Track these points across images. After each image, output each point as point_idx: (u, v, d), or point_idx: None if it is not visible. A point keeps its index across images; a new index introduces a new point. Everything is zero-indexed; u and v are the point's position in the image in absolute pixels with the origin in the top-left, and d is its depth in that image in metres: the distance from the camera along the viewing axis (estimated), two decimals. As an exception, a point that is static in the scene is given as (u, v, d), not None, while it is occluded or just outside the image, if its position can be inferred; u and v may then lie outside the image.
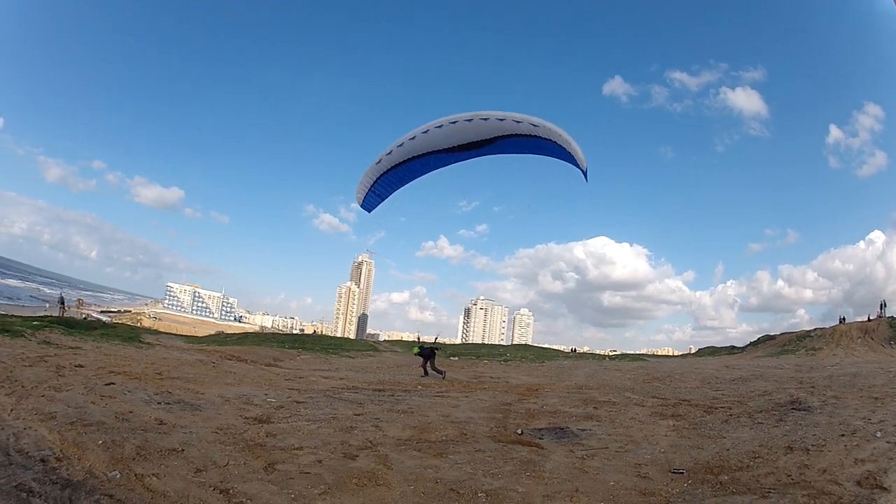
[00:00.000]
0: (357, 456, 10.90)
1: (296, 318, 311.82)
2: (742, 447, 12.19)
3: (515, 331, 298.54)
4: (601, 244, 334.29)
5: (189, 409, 14.11)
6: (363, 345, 57.78)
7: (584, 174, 20.09)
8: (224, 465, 9.82)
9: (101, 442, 10.13)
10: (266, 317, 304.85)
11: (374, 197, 24.22)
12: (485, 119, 20.58)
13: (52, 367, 17.20)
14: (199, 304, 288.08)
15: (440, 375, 28.07)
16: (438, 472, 10.03)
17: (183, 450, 10.39)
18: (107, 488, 8.08)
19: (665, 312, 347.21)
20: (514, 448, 12.10)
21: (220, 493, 8.54)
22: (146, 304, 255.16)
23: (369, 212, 24.92)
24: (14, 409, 11.64)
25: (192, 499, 8.23)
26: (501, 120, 20.48)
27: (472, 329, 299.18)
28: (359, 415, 15.33)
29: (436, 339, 33.71)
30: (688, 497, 9.02)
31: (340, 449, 11.41)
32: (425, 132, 21.52)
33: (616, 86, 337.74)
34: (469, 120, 20.75)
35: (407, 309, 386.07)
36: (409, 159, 22.69)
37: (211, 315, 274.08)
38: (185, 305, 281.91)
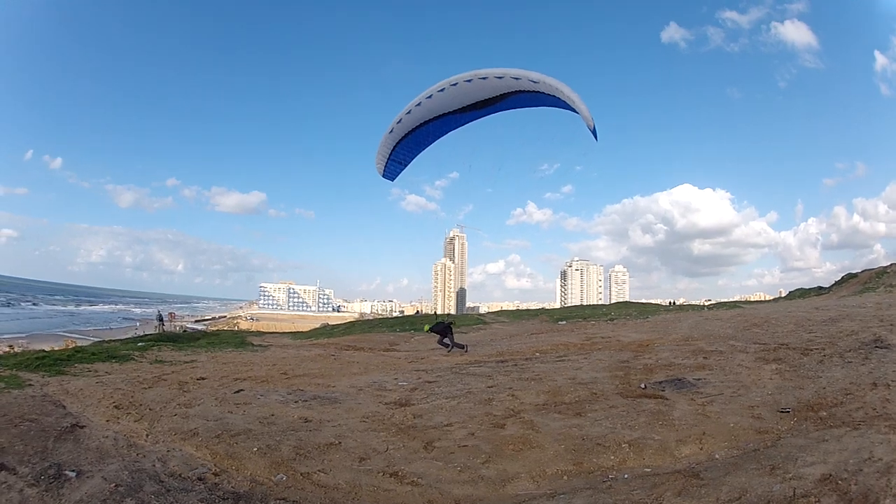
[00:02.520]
0: (504, 424, 11.41)
1: (394, 300, 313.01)
2: (836, 385, 12.97)
3: (612, 289, 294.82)
4: (685, 192, 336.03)
5: (328, 403, 14.35)
6: (470, 319, 56.07)
7: (594, 133, 19.45)
8: (384, 450, 10.24)
9: (255, 449, 10.37)
10: (364, 303, 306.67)
11: (394, 165, 24.43)
12: (483, 78, 20.61)
13: (173, 385, 17.07)
14: (296, 300, 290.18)
15: (462, 349, 27.40)
16: (582, 430, 10.58)
17: (339, 442, 10.74)
18: (277, 492, 8.38)
19: (753, 256, 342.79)
20: (642, 401, 12.59)
21: (390, 476, 9.02)
22: (240, 307, 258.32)
23: (392, 180, 25.15)
24: (150, 433, 11.49)
25: (364, 486, 8.70)
26: (500, 77, 20.44)
27: (569, 291, 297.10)
28: (491, 387, 15.59)
29: (447, 315, 31.60)
30: (795, 433, 9.68)
31: (487, 420, 11.87)
32: (429, 97, 21.68)
33: (673, 32, 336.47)
34: (469, 80, 20.78)
35: (504, 278, 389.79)
36: (420, 125, 22.88)
37: (308, 308, 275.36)
38: (280, 303, 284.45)
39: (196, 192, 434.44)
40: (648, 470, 8.58)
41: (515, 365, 19.60)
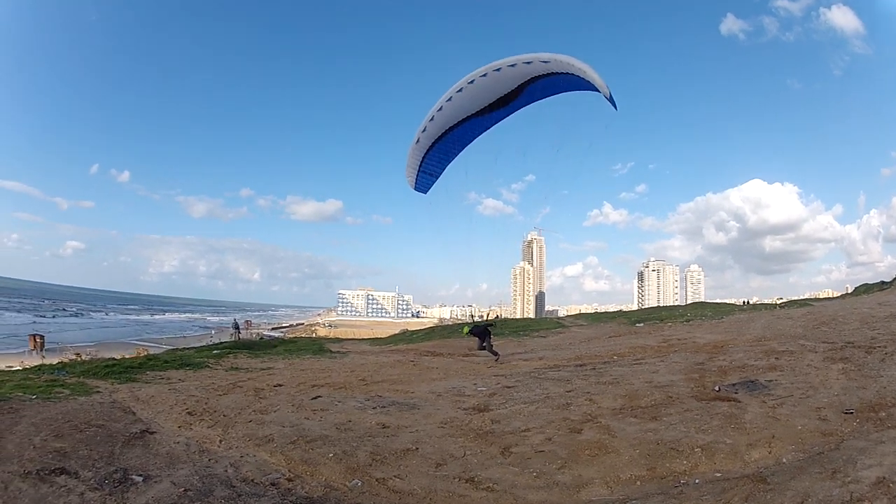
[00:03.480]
0: (581, 430, 11.21)
1: (473, 305, 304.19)
2: (895, 384, 13.09)
3: (688, 289, 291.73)
4: (756, 188, 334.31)
5: (406, 409, 14.23)
6: (549, 322, 56.80)
7: (612, 102, 18.94)
8: (461, 456, 10.18)
9: (331, 455, 10.34)
10: (443, 308, 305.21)
11: (425, 177, 23.97)
12: (497, 70, 20.27)
13: (249, 392, 17.37)
14: (374, 306, 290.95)
15: (494, 357, 26.19)
16: (657, 434, 10.54)
17: (417, 448, 10.68)
18: (351, 498, 8.35)
19: (821, 252, 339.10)
20: (716, 404, 12.53)
21: (466, 482, 8.95)
22: (318, 314, 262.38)
23: (425, 193, 24.53)
24: (223, 439, 11.56)
25: (440, 492, 8.55)
26: (512, 66, 20.09)
27: (646, 293, 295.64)
28: (570, 391, 15.43)
29: (487, 314, 30.96)
30: (856, 434, 9.70)
31: (564, 425, 11.63)
32: (449, 100, 21.37)
33: (731, 24, 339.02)
34: (484, 75, 20.51)
35: (581, 281, 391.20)
36: (445, 132, 22.57)
37: (387, 315, 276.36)
38: (359, 309, 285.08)
39: (271, 202, 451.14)
40: (719, 475, 8.55)
41: (594, 369, 19.55)
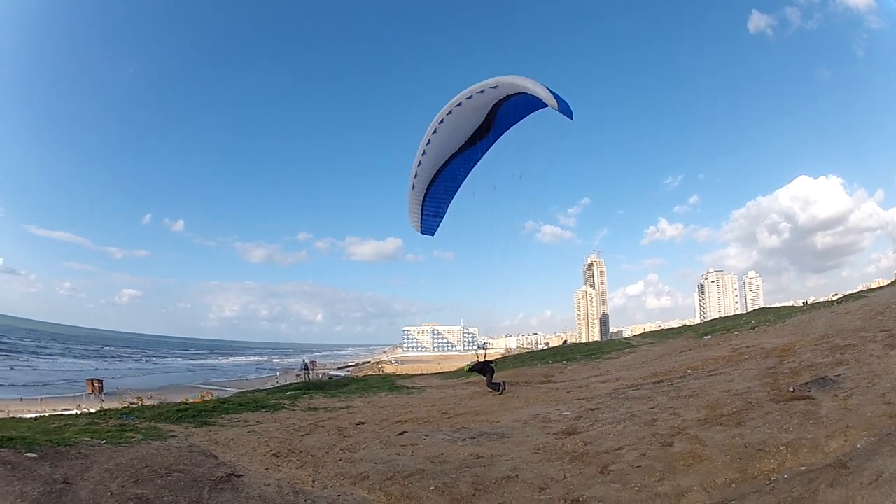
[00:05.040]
0: (672, 442, 11.34)
1: (538, 333, 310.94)
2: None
3: (747, 296, 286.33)
4: (802, 184, 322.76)
5: (496, 438, 14.28)
6: (618, 343, 55.78)
7: (565, 112, 18.54)
8: (562, 478, 10.20)
9: (431, 488, 10.34)
10: (509, 338, 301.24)
11: (429, 219, 24.07)
12: (459, 105, 20.57)
13: (332, 431, 17.25)
14: (440, 341, 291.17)
15: (497, 391, 25.74)
16: (744, 438, 10.65)
17: (516, 475, 10.66)
18: None
19: (868, 241, 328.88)
20: (793, 404, 12.72)
21: (572, 502, 9.03)
22: (384, 352, 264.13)
23: (432, 234, 24.67)
24: (315, 479, 11.51)
25: None
26: (469, 98, 20.34)
27: (707, 304, 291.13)
28: (653, 407, 15.58)
29: (484, 356, 29.41)
30: None
31: (655, 440, 11.79)
32: (428, 143, 21.67)
33: (757, 20, 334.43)
34: (450, 112, 20.78)
35: (644, 299, 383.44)
36: (437, 173, 22.87)
37: (453, 348, 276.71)
38: (424, 345, 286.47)
39: (330, 244, 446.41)
40: (804, 468, 8.85)
41: (671, 384, 19.61)
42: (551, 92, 18.11)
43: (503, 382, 26.77)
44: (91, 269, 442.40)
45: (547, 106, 18.85)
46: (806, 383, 14.68)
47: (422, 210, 23.67)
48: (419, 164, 22.34)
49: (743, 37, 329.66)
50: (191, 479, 10.53)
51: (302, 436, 16.45)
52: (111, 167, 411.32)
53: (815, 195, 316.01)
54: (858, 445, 9.32)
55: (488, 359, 28.69)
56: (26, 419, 23.24)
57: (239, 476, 11.09)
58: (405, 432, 16.07)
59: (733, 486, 8.77)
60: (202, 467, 11.66)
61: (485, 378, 27.20)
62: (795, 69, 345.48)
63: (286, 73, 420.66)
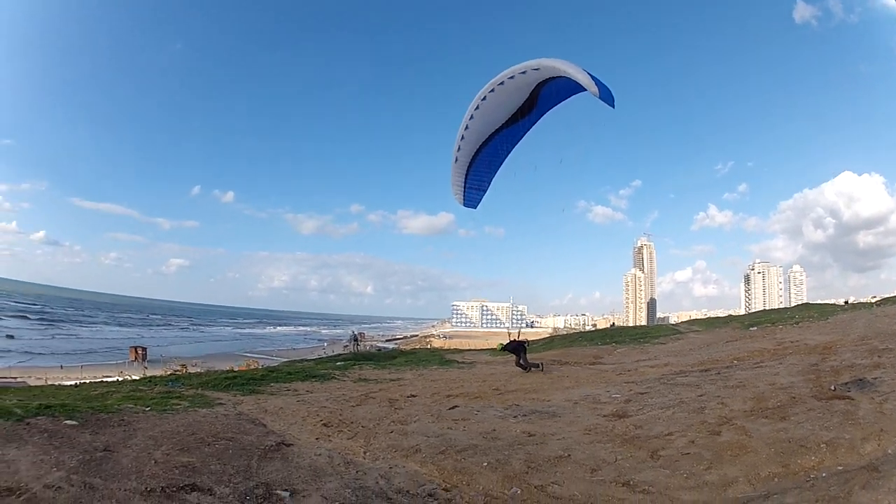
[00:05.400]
0: (720, 432, 11.34)
1: (587, 314, 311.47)
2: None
3: (791, 290, 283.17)
4: (846, 180, 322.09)
5: (547, 417, 14.33)
6: (666, 329, 56.06)
7: (607, 100, 18.09)
8: (613, 461, 10.24)
9: (485, 464, 10.33)
10: (557, 318, 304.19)
11: (472, 192, 24.06)
12: (501, 83, 20.40)
13: (383, 403, 17.34)
14: (489, 317, 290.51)
15: (538, 367, 26.25)
16: (787, 433, 10.64)
17: (568, 455, 10.73)
18: None
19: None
20: (833, 403, 12.62)
21: (623, 486, 9.05)
22: (433, 326, 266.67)
23: (475, 207, 24.61)
24: (367, 450, 11.49)
25: (599, 497, 8.66)
26: (512, 77, 20.13)
27: (753, 295, 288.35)
28: (701, 395, 15.33)
29: (518, 334, 30.20)
30: None
31: (703, 428, 11.76)
32: (471, 118, 21.61)
33: (802, 10, 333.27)
34: (492, 90, 20.65)
35: (691, 286, 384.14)
36: (480, 147, 22.87)
37: (501, 325, 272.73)
38: (473, 320, 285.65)
39: (382, 217, 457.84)
40: (840, 468, 8.79)
41: (718, 373, 19.50)
42: (592, 78, 17.83)
43: (541, 362, 27.01)
44: (139, 240, 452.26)
45: (588, 91, 18.61)
46: (846, 383, 14.62)
47: (465, 183, 23.77)
48: (462, 138, 22.37)
49: (789, 26, 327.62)
50: (239, 447, 10.51)
51: (352, 406, 16.57)
52: (160, 141, 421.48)
53: (858, 192, 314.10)
54: (889, 451, 9.25)
55: (521, 339, 28.78)
56: (66, 386, 23.27)
57: (288, 445, 11.04)
58: (456, 407, 16.23)
59: (776, 479, 8.79)
60: (251, 436, 11.67)
61: (519, 352, 27.16)
62: (839, 62, 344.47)
63: (339, 51, 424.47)
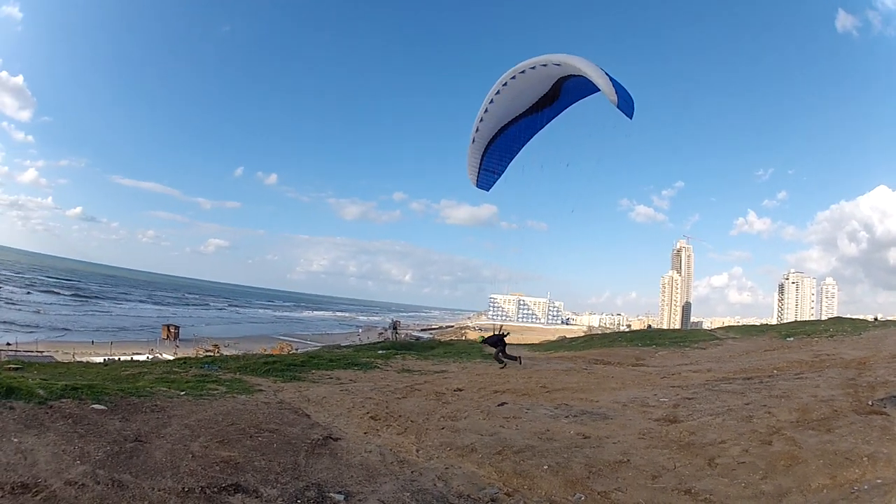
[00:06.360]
0: (771, 441, 11.21)
1: (622, 314, 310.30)
2: None
3: (823, 303, 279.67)
4: (882, 195, 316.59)
5: (599, 419, 14.06)
6: (704, 334, 55.83)
7: (624, 109, 17.70)
8: (672, 468, 10.12)
9: (545, 467, 10.07)
10: (592, 316, 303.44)
11: (487, 174, 24.07)
12: (523, 72, 20.27)
13: (430, 396, 17.10)
14: (525, 311, 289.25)
15: (501, 364, 26.11)
16: (834, 445, 10.54)
17: (628, 460, 10.56)
18: None
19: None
20: (872, 418, 12.53)
21: (685, 493, 8.94)
22: (468, 318, 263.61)
23: (487, 190, 24.64)
24: (419, 448, 11.16)
25: None
26: (533, 68, 20.01)
27: (785, 306, 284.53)
28: (748, 404, 15.11)
29: (501, 328, 29.98)
30: None
31: (755, 437, 11.60)
32: (492, 101, 21.56)
33: (843, 20, 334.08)
34: (514, 78, 20.52)
35: (726, 292, 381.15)
36: (498, 132, 22.83)
37: (537, 320, 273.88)
38: (509, 314, 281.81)
39: (425, 206, 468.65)
40: (880, 480, 8.82)
41: (761, 382, 19.29)
42: (613, 84, 17.50)
43: (520, 356, 27.35)
44: (179, 219, 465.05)
45: (596, 89, 18.63)
46: (881, 399, 14.59)
47: (480, 164, 23.84)
48: (481, 120, 22.40)
49: (830, 35, 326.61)
50: (284, 440, 10.25)
51: (398, 398, 16.40)
52: (205, 121, 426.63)
53: (892, 208, 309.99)
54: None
55: (501, 332, 28.66)
56: (95, 364, 23.40)
57: (336, 439, 10.82)
58: (505, 403, 16.00)
59: (825, 491, 8.74)
60: (295, 427, 11.38)
61: (498, 345, 27.27)
62: (879, 75, 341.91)
63: (383, 36, 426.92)
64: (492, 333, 28.45)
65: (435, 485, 8.85)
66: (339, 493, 7.84)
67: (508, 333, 29.29)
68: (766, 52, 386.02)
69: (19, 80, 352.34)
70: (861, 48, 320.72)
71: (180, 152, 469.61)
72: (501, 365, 26.02)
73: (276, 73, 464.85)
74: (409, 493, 8.21)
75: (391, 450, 10.68)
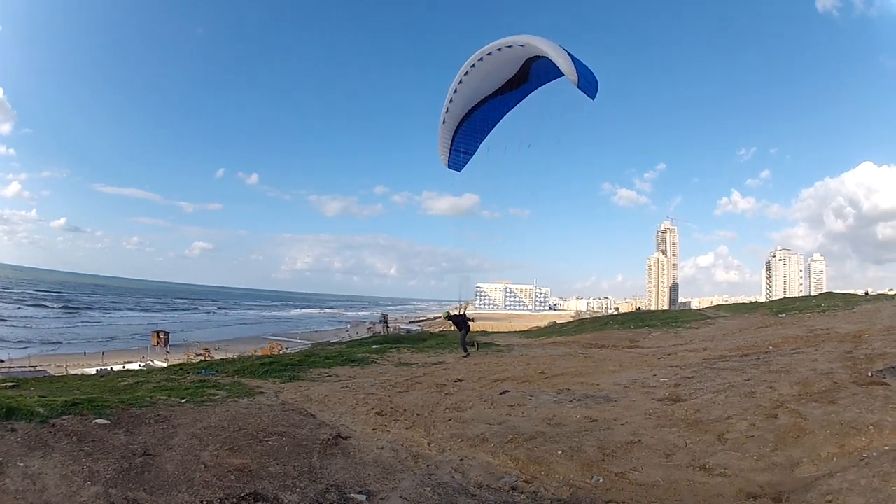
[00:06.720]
0: (777, 415, 11.39)
1: (609, 297, 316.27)
2: None
3: (811, 279, 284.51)
4: (866, 171, 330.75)
5: (603, 402, 14.24)
6: (695, 314, 56.36)
7: (587, 90, 17.47)
8: (684, 445, 10.33)
9: (559, 452, 10.27)
10: (580, 301, 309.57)
11: (458, 154, 23.90)
12: (489, 54, 20.34)
13: (431, 388, 17.18)
14: (512, 299, 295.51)
15: (465, 352, 26.42)
16: (839, 416, 10.76)
17: (639, 440, 10.75)
18: (600, 495, 8.41)
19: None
20: (873, 388, 12.76)
21: (700, 469, 9.17)
22: (456, 308, 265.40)
23: (459, 171, 24.35)
24: (430, 441, 11.31)
25: (681, 482, 8.75)
26: (499, 50, 20.04)
27: (773, 283, 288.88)
28: (748, 380, 15.24)
29: (465, 308, 30.13)
30: None
31: (760, 411, 11.80)
32: (460, 82, 21.56)
33: (824, 0, 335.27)
34: (481, 59, 20.59)
35: (713, 272, 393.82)
36: (468, 112, 22.81)
37: (524, 308, 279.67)
38: (496, 302, 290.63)
39: (406, 198, 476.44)
40: (887, 447, 9.12)
41: (758, 358, 19.49)
42: (574, 63, 17.37)
43: (476, 342, 28.41)
44: (161, 224, 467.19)
45: (557, 72, 18.50)
46: (880, 370, 14.83)
47: (451, 145, 23.74)
48: (451, 100, 22.33)
49: (812, 15, 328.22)
50: (294, 443, 10.08)
51: (400, 392, 16.44)
52: (183, 126, 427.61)
53: (878, 183, 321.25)
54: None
55: (467, 315, 28.84)
56: (90, 377, 23.21)
57: (346, 438, 10.74)
58: (507, 391, 16.04)
59: (834, 459, 9.01)
60: (303, 429, 11.24)
61: (462, 329, 27.68)
62: (860, 53, 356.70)
63: (360, 30, 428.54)
64: (459, 312, 28.59)
65: (453, 477, 8.90)
66: (360, 492, 7.78)
67: (473, 320, 29.57)
68: (746, 32, 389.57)
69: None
70: (842, 28, 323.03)
71: (160, 156, 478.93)
72: (465, 354, 26.27)
73: (253, 73, 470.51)
74: (429, 488, 8.19)
75: (403, 445, 10.74)
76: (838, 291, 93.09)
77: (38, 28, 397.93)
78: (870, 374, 14.42)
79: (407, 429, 12.24)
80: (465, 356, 25.86)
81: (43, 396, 12.06)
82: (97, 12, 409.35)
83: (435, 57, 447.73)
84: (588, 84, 17.53)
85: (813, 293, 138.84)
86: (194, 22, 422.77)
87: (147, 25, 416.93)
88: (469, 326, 27.81)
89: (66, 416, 9.84)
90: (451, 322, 29.19)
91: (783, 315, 45.04)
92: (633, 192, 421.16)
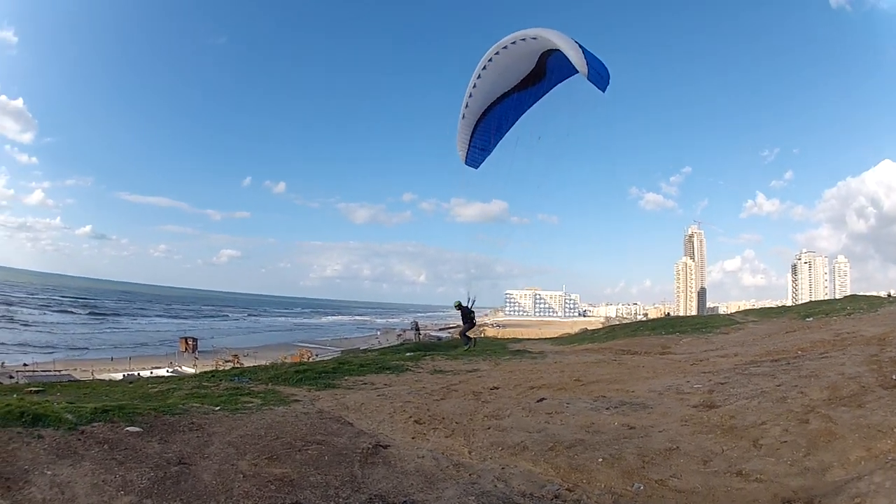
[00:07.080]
0: (808, 420, 11.43)
1: (638, 303, 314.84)
2: None
3: (835, 281, 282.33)
4: (887, 169, 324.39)
5: (639, 409, 14.12)
6: (724, 319, 55.19)
7: (597, 82, 17.44)
8: (720, 452, 10.27)
9: (600, 459, 10.16)
10: (609, 307, 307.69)
11: (476, 151, 24.02)
12: (505, 47, 20.40)
13: (467, 396, 16.98)
14: (542, 306, 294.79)
15: (465, 345, 27.95)
16: (866, 419, 10.85)
17: (677, 447, 10.67)
18: (641, 503, 8.51)
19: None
20: None
21: (737, 476, 9.12)
22: (486, 315, 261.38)
23: (476, 167, 24.62)
24: (471, 450, 11.15)
25: (719, 488, 8.77)
26: (514, 43, 20.14)
27: (800, 286, 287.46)
28: (779, 385, 15.27)
29: (472, 303, 30.03)
30: None
31: (792, 416, 11.85)
32: (479, 77, 21.61)
33: None
34: (497, 53, 20.66)
35: (740, 276, 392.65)
36: (487, 109, 22.84)
37: (554, 314, 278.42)
38: (526, 309, 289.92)
39: (434, 205, 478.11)
40: None
41: (788, 363, 19.44)
42: (585, 56, 17.31)
43: (475, 339, 28.94)
44: (189, 232, 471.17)
45: (571, 65, 18.27)
46: None
47: (469, 141, 23.86)
48: (470, 96, 22.44)
49: (825, 11, 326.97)
50: (334, 452, 9.85)
51: (437, 400, 16.31)
52: (209, 134, 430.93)
53: None
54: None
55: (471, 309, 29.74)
56: (117, 382, 23.14)
57: (386, 447, 10.46)
58: (544, 399, 15.85)
59: (862, 462, 9.07)
60: (341, 437, 11.00)
61: (466, 322, 29.19)
62: (875, 48, 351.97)
63: (386, 35, 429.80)
64: (467, 305, 29.32)
65: (496, 486, 8.72)
66: (405, 502, 7.69)
67: (474, 314, 30.51)
68: (762, 31, 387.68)
69: (19, 102, 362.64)
70: (856, 22, 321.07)
71: (186, 165, 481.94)
72: (466, 346, 27.77)
73: (278, 81, 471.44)
74: (473, 497, 8.01)
75: (443, 453, 10.53)
76: (862, 294, 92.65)
77: (54, 38, 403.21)
78: (894, 377, 14.53)
79: (446, 437, 12.14)
80: (466, 349, 27.62)
81: (71, 402, 11.76)
82: (120, 22, 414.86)
83: (460, 61, 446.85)
84: (598, 76, 17.49)
85: (838, 296, 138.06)
86: (217, 31, 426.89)
87: (170, 34, 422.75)
88: (474, 322, 29.01)
89: (95, 423, 9.61)
90: (459, 310, 30.02)
91: (811, 319, 44.65)
92: (660, 196, 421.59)
